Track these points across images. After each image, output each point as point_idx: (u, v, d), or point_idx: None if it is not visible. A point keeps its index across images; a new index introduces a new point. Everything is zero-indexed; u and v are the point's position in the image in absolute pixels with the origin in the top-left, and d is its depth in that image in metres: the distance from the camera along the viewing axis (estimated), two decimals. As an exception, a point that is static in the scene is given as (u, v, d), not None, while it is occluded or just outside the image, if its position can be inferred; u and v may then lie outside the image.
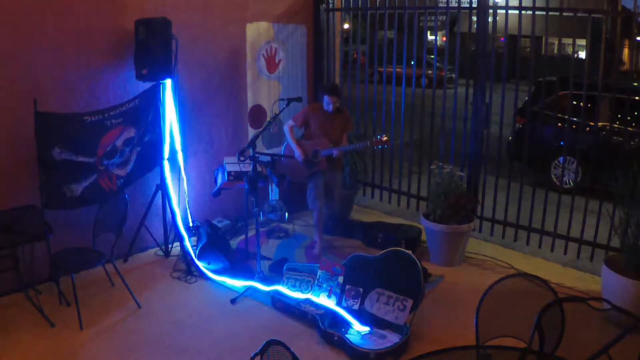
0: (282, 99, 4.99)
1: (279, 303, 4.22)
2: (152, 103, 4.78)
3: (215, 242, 4.82)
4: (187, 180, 5.23)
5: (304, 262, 4.93)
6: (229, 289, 4.51)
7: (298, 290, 4.24)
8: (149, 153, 4.89)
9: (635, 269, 3.96)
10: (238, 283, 4.51)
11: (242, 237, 5.29)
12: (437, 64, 16.26)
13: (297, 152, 5.06)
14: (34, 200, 4.15)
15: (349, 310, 3.97)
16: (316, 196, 5.11)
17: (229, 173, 5.02)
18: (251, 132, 5.87)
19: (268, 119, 5.91)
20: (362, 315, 3.93)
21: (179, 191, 5.14)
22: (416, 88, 5.94)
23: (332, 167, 5.13)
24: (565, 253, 5.16)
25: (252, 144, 4.39)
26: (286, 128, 5.14)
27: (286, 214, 5.60)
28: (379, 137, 4.92)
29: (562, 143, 6.76)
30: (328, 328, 3.80)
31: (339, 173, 5.30)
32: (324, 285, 4.16)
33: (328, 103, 4.94)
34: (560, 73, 6.83)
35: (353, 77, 6.52)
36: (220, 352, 3.69)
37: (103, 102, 4.63)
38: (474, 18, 5.32)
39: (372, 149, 5.36)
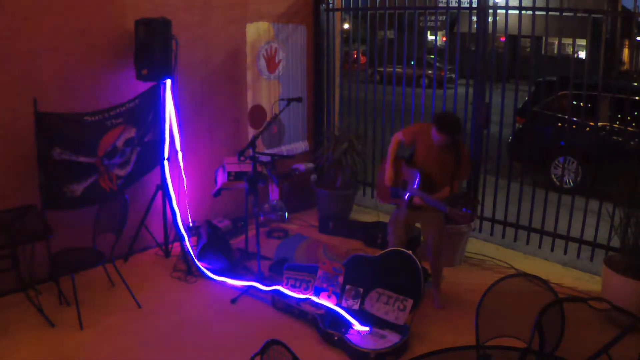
0: (282, 99, 4.96)
1: (279, 303, 4.22)
2: (152, 103, 4.78)
3: (215, 242, 4.82)
4: (187, 180, 5.23)
5: (304, 262, 4.92)
6: (229, 289, 4.51)
7: (298, 290, 4.24)
8: (150, 153, 4.90)
9: (635, 269, 3.96)
10: (238, 283, 4.52)
11: (242, 237, 5.29)
12: (437, 64, 16.29)
13: (386, 174, 4.26)
14: (34, 200, 4.16)
15: (349, 310, 3.97)
16: (392, 230, 4.33)
17: (229, 173, 5.02)
18: (251, 132, 5.87)
19: (268, 119, 5.91)
20: (362, 315, 3.93)
21: (179, 191, 5.15)
22: (416, 88, 5.94)
23: (417, 209, 4.18)
24: (565, 253, 5.16)
25: (252, 144, 4.39)
26: (393, 138, 4.30)
27: (286, 214, 5.60)
28: (466, 210, 3.78)
29: (562, 143, 6.77)
30: (328, 328, 3.80)
31: (433, 216, 4.16)
32: (324, 285, 4.16)
33: (437, 140, 3.97)
34: (560, 73, 6.83)
35: (353, 77, 6.52)
36: (220, 352, 3.69)
37: (103, 102, 4.62)
38: (474, 18, 5.32)
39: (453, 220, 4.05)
